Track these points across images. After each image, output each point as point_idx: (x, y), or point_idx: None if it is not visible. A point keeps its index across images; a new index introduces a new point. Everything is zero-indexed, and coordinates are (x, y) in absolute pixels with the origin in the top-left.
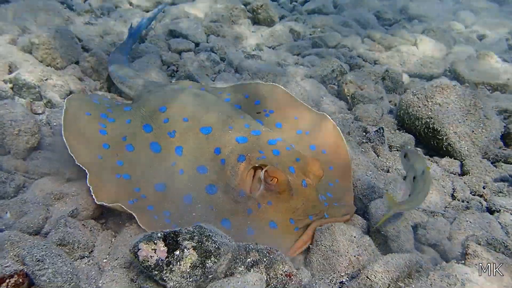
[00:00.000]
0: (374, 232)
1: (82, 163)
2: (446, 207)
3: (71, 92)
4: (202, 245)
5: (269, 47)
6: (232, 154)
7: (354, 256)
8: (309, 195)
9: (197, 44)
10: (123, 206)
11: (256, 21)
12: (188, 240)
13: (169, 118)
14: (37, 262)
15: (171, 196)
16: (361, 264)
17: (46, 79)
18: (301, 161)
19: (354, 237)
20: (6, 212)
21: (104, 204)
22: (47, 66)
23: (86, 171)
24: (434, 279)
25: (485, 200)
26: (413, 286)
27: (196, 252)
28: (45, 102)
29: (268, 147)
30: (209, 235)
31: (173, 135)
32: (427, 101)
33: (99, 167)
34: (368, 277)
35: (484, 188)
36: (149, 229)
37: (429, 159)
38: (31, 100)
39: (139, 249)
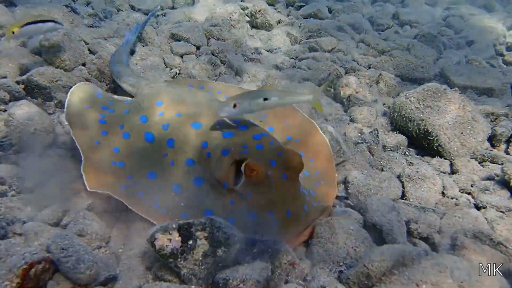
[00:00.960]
0: (369, 227)
1: (80, 146)
2: (436, 203)
3: None
4: (213, 236)
5: (268, 51)
6: (217, 148)
7: (352, 247)
8: (289, 188)
9: (198, 47)
10: (112, 195)
11: (254, 25)
12: (200, 231)
13: (164, 112)
14: (62, 250)
15: (161, 185)
16: (358, 255)
17: (56, 81)
18: (282, 155)
19: (352, 230)
20: (27, 206)
21: (97, 191)
22: (56, 68)
23: (82, 158)
24: (425, 267)
25: (473, 197)
26: (407, 273)
27: (208, 241)
28: (55, 102)
29: (253, 142)
30: (220, 226)
31: (166, 128)
32: (419, 104)
33: (97, 153)
34: (365, 266)
35: (472, 186)
36: (141, 212)
37: (420, 159)
38: (42, 100)
39: (155, 239)
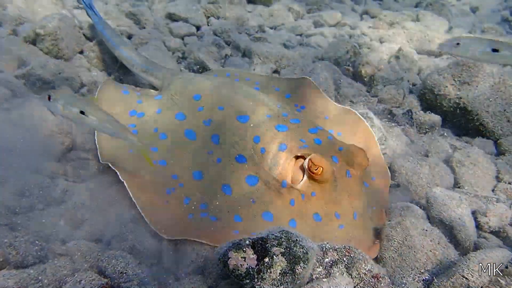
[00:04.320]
0: (436, 222)
1: (108, 160)
2: (493, 190)
3: (82, 85)
4: (291, 251)
5: (271, 28)
6: (272, 142)
7: (430, 250)
8: (354, 187)
9: (198, 28)
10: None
11: (251, 0)
12: (276, 246)
13: (204, 107)
14: (120, 274)
15: (208, 186)
16: (437, 259)
17: (59, 73)
18: (344, 150)
19: (426, 230)
20: (60, 220)
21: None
22: (55, 57)
23: (113, 167)
24: None
25: None
26: None
27: (285, 258)
28: None
29: (309, 136)
30: (297, 240)
31: (208, 124)
32: (454, 80)
33: (131, 160)
34: (464, 277)
35: None
36: (189, 236)
37: (457, 140)
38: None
39: (229, 258)
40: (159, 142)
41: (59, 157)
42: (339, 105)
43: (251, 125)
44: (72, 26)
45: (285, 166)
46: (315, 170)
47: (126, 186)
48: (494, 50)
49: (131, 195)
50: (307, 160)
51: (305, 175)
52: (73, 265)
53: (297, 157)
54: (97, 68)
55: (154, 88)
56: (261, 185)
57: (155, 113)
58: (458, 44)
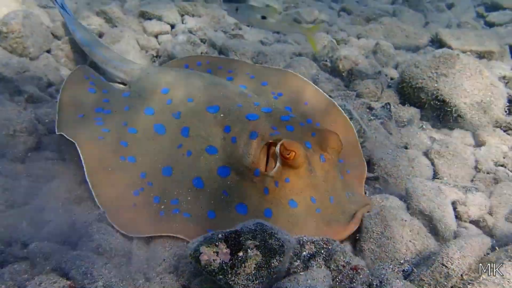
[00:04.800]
0: (415, 213)
1: (79, 145)
2: (472, 180)
3: (50, 84)
4: (266, 244)
5: (248, 26)
6: (243, 131)
7: (410, 241)
8: (329, 171)
9: (172, 26)
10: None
11: None
12: (251, 240)
13: (173, 99)
14: (85, 275)
15: (179, 181)
16: (417, 249)
17: (23, 72)
18: (317, 135)
19: (405, 221)
20: (22, 222)
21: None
22: (19, 56)
23: (83, 164)
24: None
25: (510, 170)
26: (502, 269)
27: (260, 251)
28: (26, 97)
29: (281, 123)
30: (272, 232)
31: (178, 116)
32: (432, 72)
33: (101, 148)
34: (444, 265)
35: (504, 158)
36: (160, 232)
37: (436, 132)
38: (9, 96)
39: (200, 253)
40: (128, 135)
41: (22, 158)
42: (320, 92)
43: (221, 115)
44: (38, 23)
45: (257, 154)
46: (288, 155)
47: (89, 184)
48: (263, 18)
49: (93, 195)
50: (278, 145)
51: (278, 161)
52: (34, 268)
53: (269, 145)
54: (66, 67)
55: (124, 84)
56: (233, 175)
57: (123, 110)
58: (237, 10)
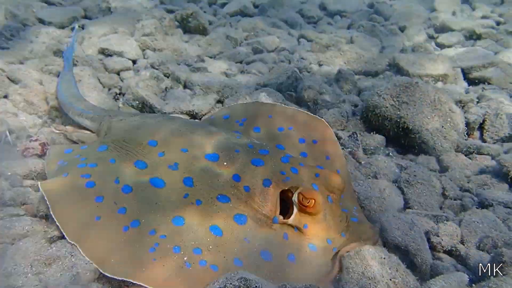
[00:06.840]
0: (391, 248)
1: (74, 239)
2: (441, 207)
3: (10, 131)
4: None
5: (210, 57)
6: (254, 179)
7: (390, 279)
8: (336, 211)
9: (134, 61)
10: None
11: (187, 30)
12: None
13: (165, 151)
14: None
15: (195, 230)
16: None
17: None
18: (321, 176)
19: (384, 258)
20: None
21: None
22: None
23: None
24: None
25: (474, 195)
26: None
27: None
28: None
29: (286, 166)
30: (256, 287)
31: (176, 168)
32: (394, 100)
33: (100, 232)
34: None
35: (468, 182)
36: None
37: (402, 158)
38: None
39: None
40: (124, 197)
41: None
42: (301, 111)
43: (224, 163)
44: None
45: (274, 202)
46: (307, 203)
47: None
48: None
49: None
50: (296, 194)
51: (295, 209)
52: None
53: (282, 191)
54: (26, 112)
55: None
56: (251, 222)
57: (109, 162)
58: None
